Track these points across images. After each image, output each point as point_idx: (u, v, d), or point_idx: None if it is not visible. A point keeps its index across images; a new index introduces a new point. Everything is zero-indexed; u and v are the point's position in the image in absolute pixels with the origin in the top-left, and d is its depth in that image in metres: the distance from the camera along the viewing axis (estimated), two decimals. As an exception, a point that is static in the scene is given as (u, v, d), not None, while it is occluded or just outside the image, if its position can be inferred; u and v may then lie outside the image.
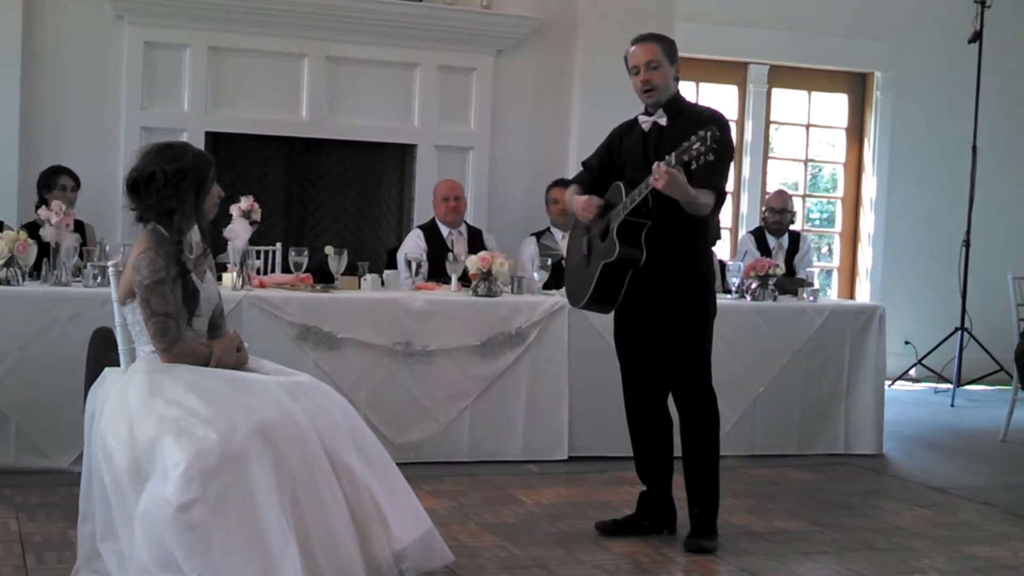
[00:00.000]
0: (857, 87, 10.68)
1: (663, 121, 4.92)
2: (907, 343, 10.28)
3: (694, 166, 4.58)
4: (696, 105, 5.10)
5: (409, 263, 6.72)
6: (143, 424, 3.77)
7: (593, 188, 5.06)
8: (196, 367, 3.97)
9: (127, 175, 4.08)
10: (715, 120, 4.81)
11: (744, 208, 10.25)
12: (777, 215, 8.21)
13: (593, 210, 4.95)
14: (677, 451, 5.15)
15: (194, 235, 4.15)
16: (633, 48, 4.98)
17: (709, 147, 4.53)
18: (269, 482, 3.68)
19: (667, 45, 4.97)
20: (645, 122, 4.98)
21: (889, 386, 8.20)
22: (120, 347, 4.38)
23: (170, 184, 4.01)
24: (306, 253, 6.36)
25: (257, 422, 3.74)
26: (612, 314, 5.13)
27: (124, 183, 4.08)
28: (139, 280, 3.96)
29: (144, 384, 3.89)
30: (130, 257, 4.05)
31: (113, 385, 4.04)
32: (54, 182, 6.95)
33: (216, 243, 6.20)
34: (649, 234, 4.81)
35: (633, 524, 5.17)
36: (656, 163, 4.62)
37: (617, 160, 5.07)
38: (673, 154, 4.59)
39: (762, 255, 7.76)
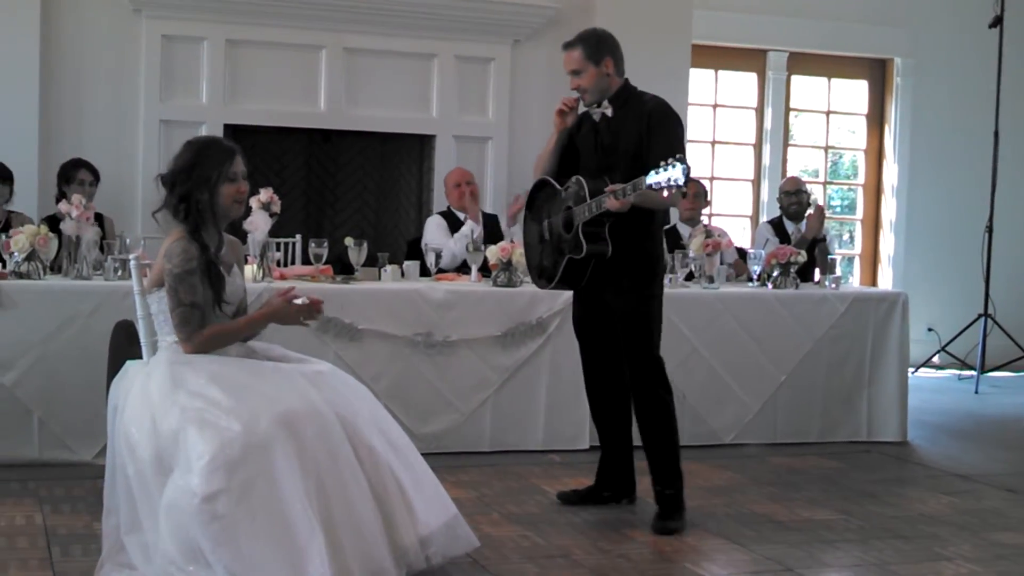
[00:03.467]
0: (877, 73, 10.62)
1: (609, 112, 5.09)
2: (930, 330, 10.22)
3: (666, 195, 4.67)
4: (644, 94, 5.14)
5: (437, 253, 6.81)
6: (166, 416, 3.78)
7: (561, 165, 5.23)
8: (218, 357, 3.98)
9: (161, 176, 4.24)
10: (661, 107, 5.05)
11: (764, 196, 10.20)
12: (792, 197, 8.17)
13: (572, 102, 5.16)
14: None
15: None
16: (563, 55, 5.15)
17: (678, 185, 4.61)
18: (293, 471, 3.69)
19: (591, 47, 5.07)
20: (595, 113, 5.16)
21: (912, 373, 8.15)
22: (142, 339, 4.39)
23: (180, 183, 4.11)
24: (326, 244, 6.36)
25: (280, 412, 3.74)
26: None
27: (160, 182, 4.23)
28: (170, 268, 4.01)
29: (166, 376, 3.90)
30: (162, 247, 4.10)
31: (135, 377, 4.05)
32: (73, 175, 6.96)
33: (237, 236, 6.23)
34: (611, 228, 4.96)
35: (593, 494, 5.37)
36: (611, 187, 4.80)
37: (574, 142, 5.25)
38: (637, 182, 4.70)
39: (781, 243, 7.72)
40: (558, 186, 5.15)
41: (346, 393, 4.02)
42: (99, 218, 6.75)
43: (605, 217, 4.89)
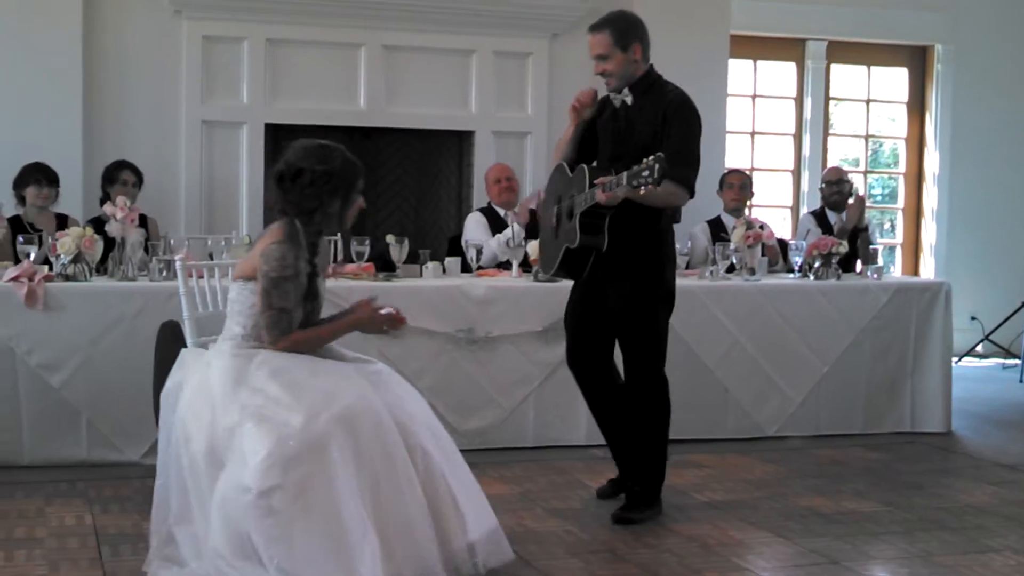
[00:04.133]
0: (917, 61, 10.54)
1: (629, 100, 5.03)
2: (973, 319, 10.16)
3: (642, 192, 4.62)
4: (666, 84, 5.06)
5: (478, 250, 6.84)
6: (226, 412, 3.81)
7: (584, 148, 5.16)
8: (279, 353, 3.98)
9: (276, 168, 4.12)
10: (680, 102, 4.95)
11: (805, 186, 10.15)
12: (834, 187, 8.14)
13: (586, 99, 5.12)
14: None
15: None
16: (588, 37, 5.07)
17: (656, 179, 4.56)
18: (349, 470, 3.70)
19: (620, 31, 4.99)
20: (615, 99, 5.10)
21: (956, 363, 8.11)
22: (188, 339, 4.44)
23: (315, 184, 4.04)
24: (367, 242, 6.40)
25: (339, 411, 3.76)
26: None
27: (273, 175, 4.12)
28: (265, 270, 3.97)
29: (229, 370, 3.91)
30: (260, 242, 4.07)
31: (193, 367, 4.07)
32: (117, 176, 7.02)
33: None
34: (612, 220, 4.87)
35: (622, 486, 5.26)
36: (600, 178, 4.76)
37: (595, 128, 5.19)
38: (623, 174, 4.65)
39: (824, 233, 7.69)
40: (569, 173, 5.08)
41: (401, 394, 4.03)
42: (143, 219, 6.82)
43: (604, 209, 4.81)
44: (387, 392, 3.97)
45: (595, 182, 4.77)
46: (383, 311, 4.19)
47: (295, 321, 4.04)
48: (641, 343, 5.03)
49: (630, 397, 5.10)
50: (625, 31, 4.99)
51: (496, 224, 7.49)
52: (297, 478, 3.67)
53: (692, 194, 4.98)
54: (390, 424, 3.84)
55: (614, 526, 4.96)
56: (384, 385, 3.99)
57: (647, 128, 4.94)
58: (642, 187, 4.59)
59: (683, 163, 4.86)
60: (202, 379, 3.97)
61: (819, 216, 8.15)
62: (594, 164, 5.00)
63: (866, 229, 7.94)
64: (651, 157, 4.58)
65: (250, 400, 3.81)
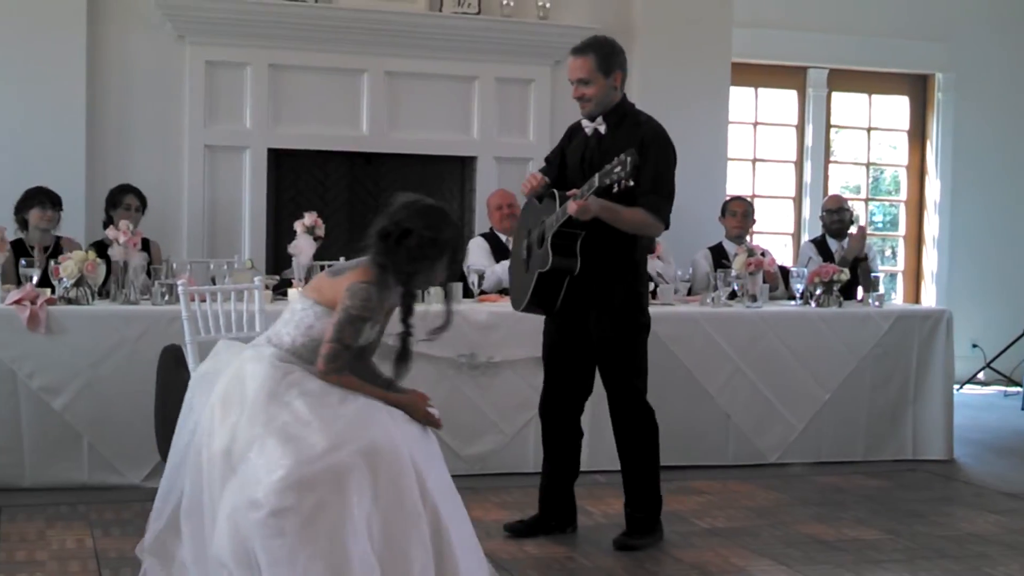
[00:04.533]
0: (918, 89, 10.58)
1: (602, 129, 4.98)
2: (975, 346, 10.17)
3: (615, 190, 4.62)
4: (640, 114, 5.02)
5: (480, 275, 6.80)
6: (253, 421, 3.75)
7: (556, 182, 5.06)
8: (314, 375, 3.92)
9: (381, 224, 3.96)
10: (655, 133, 4.90)
11: (806, 213, 10.17)
12: (835, 215, 8.16)
13: (536, 183, 4.98)
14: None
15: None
16: (569, 60, 4.97)
17: (629, 173, 4.57)
18: (364, 507, 3.65)
19: (604, 56, 4.91)
20: (587, 127, 5.04)
21: (957, 390, 8.10)
22: (190, 364, 4.44)
23: (422, 248, 3.93)
24: (370, 267, 6.38)
25: (364, 444, 3.71)
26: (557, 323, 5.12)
27: (377, 231, 3.95)
28: (347, 305, 3.87)
29: (266, 381, 3.82)
30: (348, 276, 3.93)
31: (229, 360, 4.00)
32: (120, 200, 7.03)
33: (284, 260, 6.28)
34: (584, 244, 4.82)
35: (540, 524, 5.20)
36: (572, 190, 4.73)
37: (565, 157, 5.12)
38: (591, 180, 4.66)
39: (824, 261, 7.70)
40: (539, 204, 5.03)
41: (419, 432, 3.95)
42: (146, 243, 6.83)
43: (577, 231, 4.76)
44: (408, 427, 3.91)
45: (567, 194, 4.74)
46: (431, 410, 4.12)
47: (351, 360, 3.96)
48: (627, 373, 5.02)
49: (619, 427, 5.09)
50: (609, 57, 4.92)
51: (498, 249, 7.50)
52: (311, 503, 3.61)
53: (667, 225, 4.97)
54: (409, 466, 3.76)
55: (616, 552, 4.95)
56: (405, 422, 3.93)
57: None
58: (615, 185, 4.58)
59: (658, 194, 4.85)
60: (236, 377, 3.88)
61: (820, 244, 8.17)
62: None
63: (867, 258, 7.95)
64: (622, 154, 4.57)
65: (278, 415, 3.75)
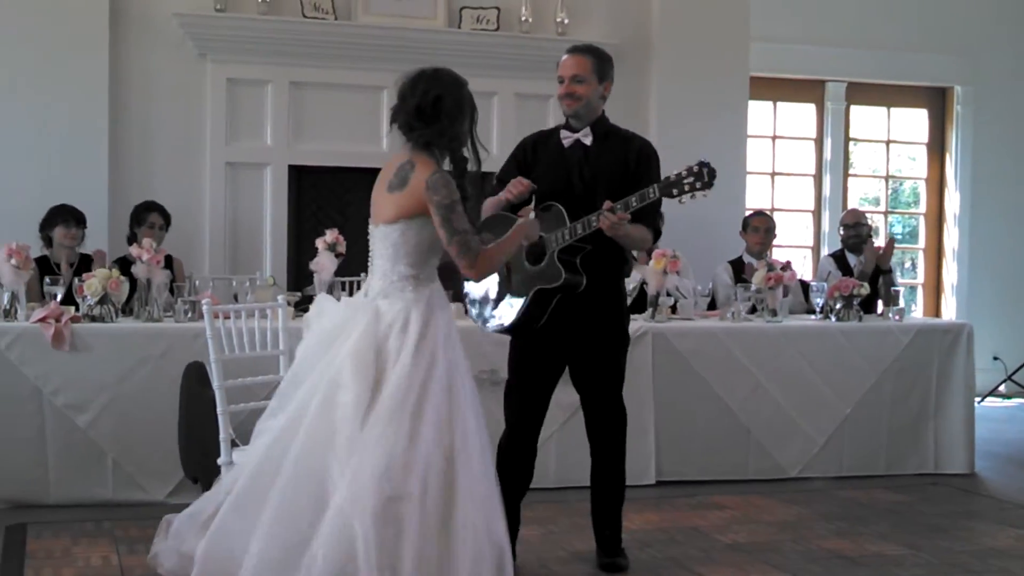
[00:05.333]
0: (937, 102, 10.58)
1: (588, 140, 4.82)
2: (996, 359, 10.15)
3: (681, 201, 4.57)
4: (622, 130, 4.92)
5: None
6: (397, 385, 3.76)
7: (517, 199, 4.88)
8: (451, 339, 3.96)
9: (412, 103, 3.99)
10: (650, 150, 4.84)
11: (825, 227, 10.17)
12: (851, 229, 8.17)
13: (523, 188, 4.78)
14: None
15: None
16: (564, 58, 4.86)
17: (708, 183, 4.53)
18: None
19: (601, 62, 4.84)
20: (567, 138, 4.85)
21: (978, 403, 8.09)
22: (212, 356, 4.45)
23: (459, 105, 4.04)
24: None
25: (483, 437, 3.87)
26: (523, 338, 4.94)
27: (406, 112, 4.00)
28: (438, 200, 3.88)
29: (412, 349, 3.83)
30: (414, 176, 3.93)
31: (354, 314, 3.94)
32: (144, 218, 7.07)
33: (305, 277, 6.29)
34: (584, 259, 4.72)
35: None
36: (608, 203, 4.55)
37: (530, 173, 4.86)
38: (644, 192, 4.59)
39: (844, 275, 7.70)
40: (515, 217, 4.77)
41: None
42: (169, 260, 6.88)
43: (584, 245, 4.66)
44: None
45: (604, 207, 4.55)
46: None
47: (475, 239, 3.99)
48: (615, 386, 4.91)
49: (602, 441, 4.96)
50: (605, 64, 4.85)
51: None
52: (433, 492, 3.67)
53: (657, 240, 4.98)
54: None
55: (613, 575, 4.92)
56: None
57: (616, 172, 4.75)
58: (683, 196, 4.55)
59: (654, 210, 4.81)
60: (369, 328, 3.85)
61: (838, 259, 8.17)
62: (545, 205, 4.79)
63: (890, 271, 7.95)
64: (694, 164, 4.53)
65: (423, 392, 3.78)
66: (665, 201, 4.74)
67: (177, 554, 3.95)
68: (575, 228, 4.62)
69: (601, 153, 4.80)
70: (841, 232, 8.29)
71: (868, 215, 8.98)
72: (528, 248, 4.73)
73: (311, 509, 3.67)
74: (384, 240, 4.00)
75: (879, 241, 8.68)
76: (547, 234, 4.66)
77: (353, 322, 3.90)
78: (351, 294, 7.30)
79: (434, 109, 3.98)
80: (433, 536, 3.66)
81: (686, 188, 4.57)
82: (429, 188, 3.89)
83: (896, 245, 10.59)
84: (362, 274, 7.47)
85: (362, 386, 3.74)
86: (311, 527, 3.64)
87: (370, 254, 4.09)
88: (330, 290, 6.28)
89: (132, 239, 6.87)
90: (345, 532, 3.60)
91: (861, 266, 7.97)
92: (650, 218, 4.81)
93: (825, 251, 9.65)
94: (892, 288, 7.55)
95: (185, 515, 4.01)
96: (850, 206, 10.09)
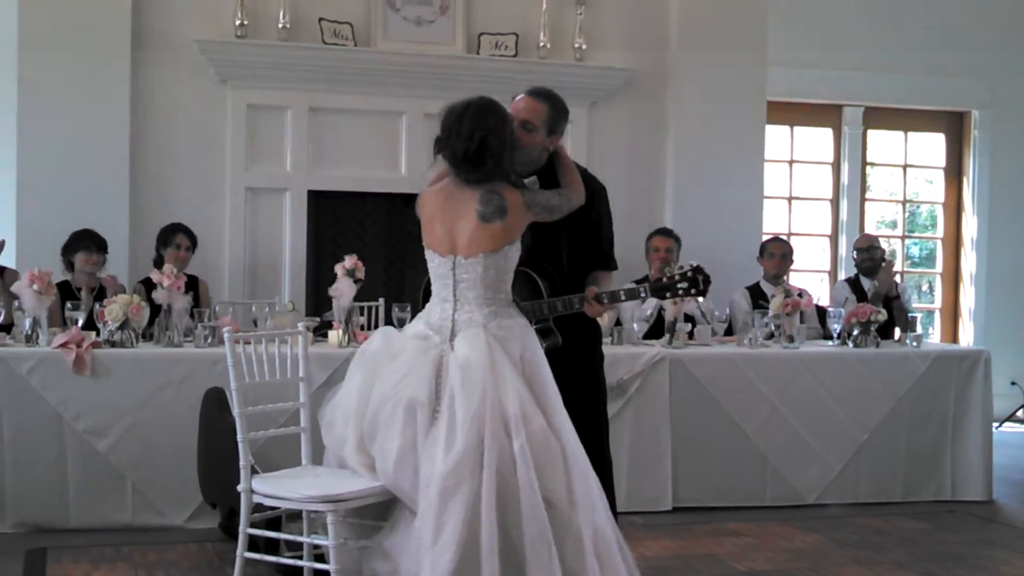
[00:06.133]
0: (954, 126, 10.58)
1: (537, 188, 4.61)
2: (1014, 384, 10.12)
3: (674, 302, 4.54)
4: (567, 174, 4.63)
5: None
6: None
7: None
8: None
9: (458, 146, 4.16)
10: (603, 190, 4.72)
11: (843, 251, 10.16)
12: (865, 253, 8.17)
13: None
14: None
15: None
16: (520, 97, 4.56)
17: (702, 291, 4.54)
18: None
19: (556, 113, 4.54)
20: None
21: (996, 428, 8.07)
22: (233, 384, 4.48)
23: (502, 140, 4.20)
24: (408, 308, 6.44)
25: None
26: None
27: (452, 151, 4.18)
28: (541, 208, 4.27)
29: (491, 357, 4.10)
30: (509, 203, 4.18)
31: (474, 350, 4.11)
32: (171, 239, 7.11)
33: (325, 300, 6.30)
34: (558, 319, 4.58)
35: None
36: (593, 290, 4.47)
37: None
38: (633, 290, 4.58)
39: (859, 300, 7.70)
40: (525, 270, 4.57)
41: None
42: (195, 281, 6.94)
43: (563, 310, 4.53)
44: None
45: (588, 296, 4.46)
46: None
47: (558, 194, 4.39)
48: (597, 438, 4.67)
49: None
50: (560, 117, 4.56)
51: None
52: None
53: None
54: None
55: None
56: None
57: (574, 215, 4.54)
58: (679, 299, 4.61)
59: (611, 250, 4.77)
60: (504, 359, 4.09)
61: (853, 283, 8.17)
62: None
63: (899, 296, 7.94)
64: (688, 270, 4.50)
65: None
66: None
67: None
68: (555, 305, 4.52)
69: None
70: (855, 256, 8.29)
71: (886, 239, 8.97)
72: None
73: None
74: (486, 269, 4.19)
75: (898, 266, 8.66)
76: (523, 302, 4.48)
77: (484, 357, 4.08)
78: (370, 320, 7.36)
79: (479, 153, 4.14)
80: None
81: (679, 292, 4.54)
82: (531, 206, 4.22)
83: (913, 270, 10.62)
84: (380, 299, 7.54)
85: (538, 411, 4.04)
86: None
87: (446, 286, 4.26)
88: (348, 316, 6.30)
89: (158, 261, 6.93)
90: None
91: (875, 288, 7.96)
92: (609, 262, 4.75)
93: (842, 275, 9.65)
94: (908, 315, 7.55)
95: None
96: (867, 230, 10.09)
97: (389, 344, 4.35)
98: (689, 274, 4.52)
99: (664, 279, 4.56)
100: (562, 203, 4.34)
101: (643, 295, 4.61)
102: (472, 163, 4.15)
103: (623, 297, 4.55)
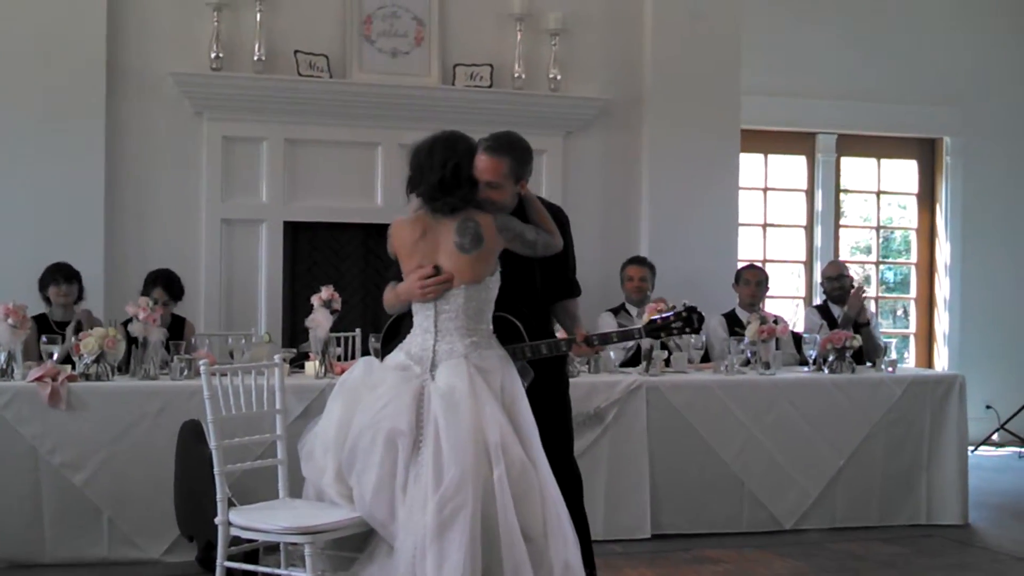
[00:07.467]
0: (927, 153, 10.67)
1: None
2: (988, 407, 10.17)
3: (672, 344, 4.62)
4: (534, 211, 4.70)
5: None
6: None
7: None
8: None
9: (433, 177, 4.35)
10: (567, 220, 4.85)
11: (817, 277, 10.20)
12: (835, 281, 8.20)
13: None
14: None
15: None
16: (481, 156, 4.49)
17: (697, 329, 4.69)
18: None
19: (518, 163, 4.55)
20: None
21: (971, 452, 8.11)
22: (209, 416, 4.47)
23: (471, 165, 4.39)
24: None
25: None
26: None
27: (428, 185, 4.35)
28: (512, 235, 4.41)
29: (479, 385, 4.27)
30: (484, 230, 4.35)
31: (455, 378, 4.22)
32: (150, 291, 6.93)
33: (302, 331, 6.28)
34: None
35: None
36: (582, 334, 4.64)
37: None
38: (627, 331, 4.73)
39: (831, 327, 7.73)
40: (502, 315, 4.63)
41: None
42: (180, 321, 6.92)
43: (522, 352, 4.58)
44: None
45: (578, 339, 4.60)
46: None
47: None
48: (562, 448, 4.75)
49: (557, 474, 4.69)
50: (522, 164, 4.57)
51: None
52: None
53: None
54: None
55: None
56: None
57: (540, 261, 4.65)
58: (674, 338, 4.68)
59: (574, 275, 4.90)
60: (475, 388, 4.19)
61: (823, 310, 8.19)
62: None
63: (868, 324, 7.97)
64: (683, 310, 4.62)
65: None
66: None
67: None
68: (539, 348, 4.57)
69: None
70: (824, 284, 8.33)
71: (860, 265, 9.01)
72: None
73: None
74: (468, 300, 4.31)
75: (872, 291, 8.69)
76: (505, 345, 4.50)
77: (467, 387, 4.17)
78: (347, 351, 7.36)
79: (455, 178, 4.31)
80: None
81: (674, 331, 4.69)
82: (502, 230, 4.34)
83: (887, 295, 10.67)
84: (356, 329, 7.54)
85: (517, 441, 4.13)
86: None
87: (427, 317, 4.39)
88: (325, 347, 6.30)
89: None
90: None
91: (845, 313, 7.99)
92: (575, 288, 4.87)
93: (817, 301, 9.69)
94: (877, 342, 7.60)
95: None
96: (841, 256, 10.16)
97: (370, 374, 4.40)
98: (684, 313, 4.64)
99: (659, 320, 4.66)
100: (537, 241, 4.44)
101: (638, 337, 4.73)
102: (448, 190, 4.29)
103: (615, 339, 4.71)
